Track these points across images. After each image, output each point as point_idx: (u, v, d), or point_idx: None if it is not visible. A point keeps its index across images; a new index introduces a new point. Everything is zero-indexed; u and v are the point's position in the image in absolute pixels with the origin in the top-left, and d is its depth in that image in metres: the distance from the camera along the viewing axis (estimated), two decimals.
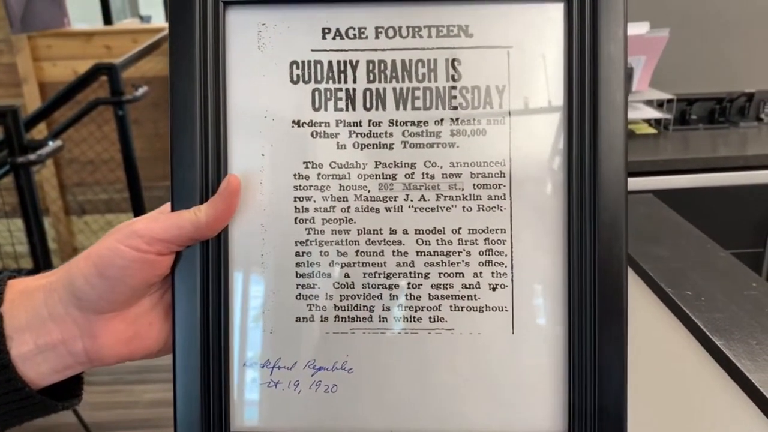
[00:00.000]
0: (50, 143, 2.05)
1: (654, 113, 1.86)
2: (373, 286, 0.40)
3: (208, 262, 0.39)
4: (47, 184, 3.21)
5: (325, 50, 0.39)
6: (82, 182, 3.30)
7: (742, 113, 1.98)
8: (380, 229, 0.40)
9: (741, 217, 1.70)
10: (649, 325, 0.92)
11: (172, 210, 0.39)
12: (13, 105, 1.98)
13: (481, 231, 0.39)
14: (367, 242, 0.40)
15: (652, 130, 1.89)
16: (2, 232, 2.61)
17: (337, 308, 0.40)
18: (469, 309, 0.40)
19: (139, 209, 2.96)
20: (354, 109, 0.40)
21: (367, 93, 0.39)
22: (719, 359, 0.72)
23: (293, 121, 0.40)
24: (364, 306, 0.40)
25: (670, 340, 0.85)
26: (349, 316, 0.40)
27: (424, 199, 0.39)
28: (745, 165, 1.68)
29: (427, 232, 0.40)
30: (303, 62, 0.39)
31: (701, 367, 0.76)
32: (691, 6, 2.00)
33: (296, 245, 0.40)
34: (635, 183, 1.66)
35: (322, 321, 0.40)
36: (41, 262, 2.07)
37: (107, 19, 4.00)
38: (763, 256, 1.72)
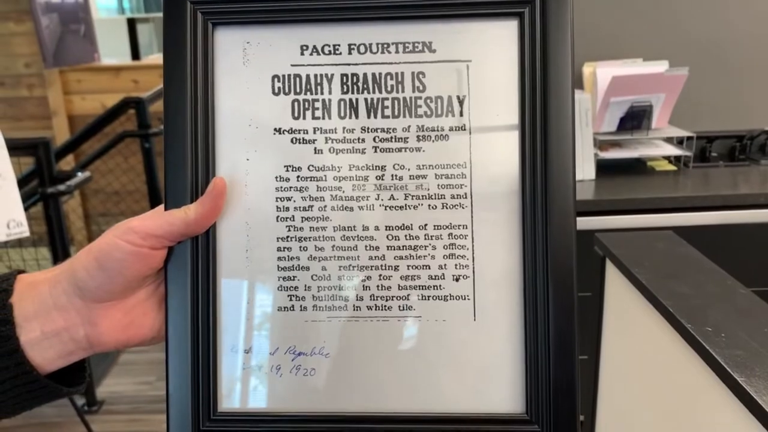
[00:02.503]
0: (79, 174, 2.10)
1: (674, 150, 1.86)
2: (348, 277, 0.44)
3: (197, 257, 0.43)
4: (73, 214, 3.28)
5: (304, 65, 0.44)
6: (107, 212, 3.37)
7: (762, 151, 1.98)
8: (354, 226, 0.44)
9: (762, 255, 1.69)
10: (669, 362, 0.92)
11: (165, 209, 0.43)
12: (45, 137, 2.04)
13: (445, 227, 0.43)
14: (342, 238, 0.44)
15: (672, 167, 1.89)
16: (29, 260, 2.67)
17: (314, 298, 0.44)
18: (434, 298, 0.44)
19: None
20: (330, 118, 0.44)
21: (341, 103, 0.44)
22: (740, 395, 0.71)
23: (275, 129, 0.44)
24: (339, 296, 0.44)
25: (690, 377, 0.85)
26: (325, 306, 0.44)
27: (394, 198, 0.44)
28: (767, 203, 1.67)
29: (396, 228, 0.44)
30: (283, 76, 0.44)
31: (722, 403, 0.76)
32: (709, 45, 2.02)
33: (278, 241, 0.44)
34: (655, 220, 1.66)
35: (301, 310, 0.44)
36: None
37: (135, 54, 4.11)
38: None
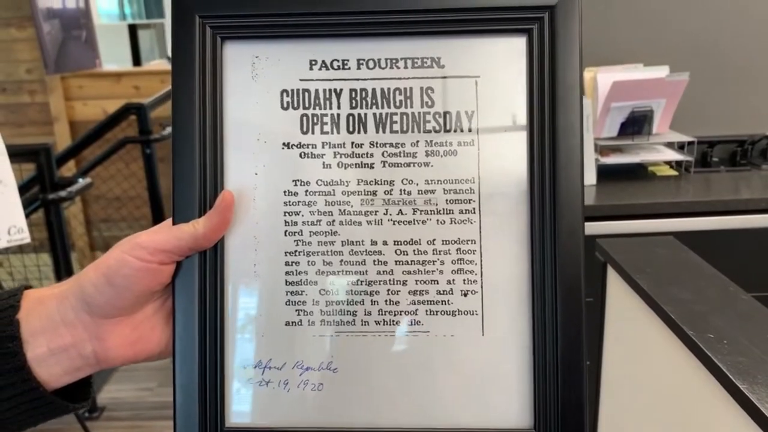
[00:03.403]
0: (80, 180, 2.10)
1: (675, 155, 1.86)
2: (356, 292, 0.44)
3: (205, 271, 0.43)
4: (74, 220, 3.28)
5: (312, 80, 0.44)
6: (108, 218, 3.37)
7: (764, 156, 1.98)
8: (362, 241, 0.44)
9: (764, 260, 1.68)
10: (670, 368, 0.91)
11: (174, 223, 0.43)
12: (46, 143, 2.04)
13: (453, 242, 0.43)
14: (350, 252, 0.44)
15: (673, 172, 1.89)
16: (30, 267, 2.67)
17: (323, 313, 0.44)
18: (443, 313, 0.43)
19: None
20: (338, 132, 0.44)
21: (350, 118, 0.44)
22: (742, 403, 0.71)
23: (283, 143, 0.44)
24: (347, 311, 0.44)
25: (692, 383, 0.85)
26: (333, 320, 0.44)
27: (402, 213, 0.43)
28: (767, 208, 1.67)
29: (405, 243, 0.43)
30: (292, 90, 0.44)
31: (724, 410, 0.76)
32: (710, 50, 2.02)
33: (286, 255, 0.44)
34: (657, 225, 1.65)
35: (309, 325, 0.44)
36: None
37: (136, 60, 4.12)
38: None
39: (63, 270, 2.10)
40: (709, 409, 0.80)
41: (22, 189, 1.92)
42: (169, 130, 2.84)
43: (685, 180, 1.86)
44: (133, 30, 4.23)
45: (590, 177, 1.79)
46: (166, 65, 3.73)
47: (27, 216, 1.41)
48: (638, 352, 1.04)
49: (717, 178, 1.87)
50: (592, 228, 1.64)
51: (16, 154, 1.72)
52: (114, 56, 3.98)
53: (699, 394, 0.83)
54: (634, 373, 1.07)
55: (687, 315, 0.88)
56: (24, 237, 1.38)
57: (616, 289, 1.10)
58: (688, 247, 1.12)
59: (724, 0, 1.99)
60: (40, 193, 1.99)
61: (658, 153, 1.88)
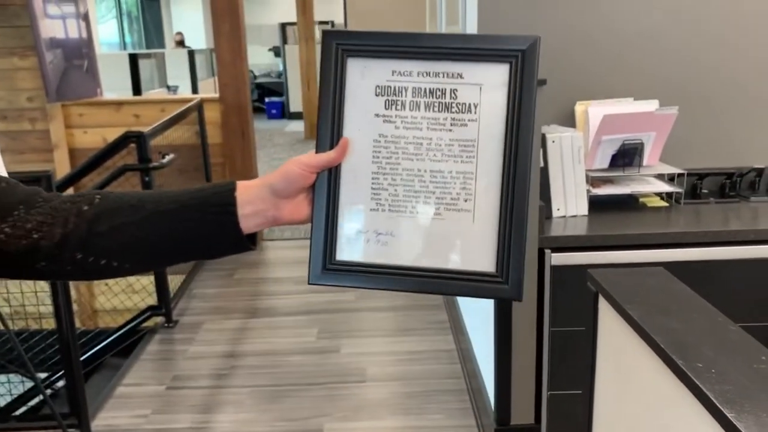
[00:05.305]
0: None
1: (665, 187, 1.90)
2: (407, 196, 0.77)
3: (330, 178, 0.77)
4: None
5: (392, 80, 0.77)
6: None
7: (752, 188, 2.03)
8: (413, 169, 0.76)
9: (753, 291, 1.71)
10: (660, 397, 0.94)
11: (316, 153, 0.76)
12: (47, 170, 2.07)
13: (460, 173, 0.76)
14: (406, 174, 0.77)
15: (664, 203, 1.93)
16: (27, 292, 2.67)
17: (389, 205, 0.77)
18: (452, 209, 0.76)
19: (160, 272, 3.01)
20: (404, 110, 0.77)
21: (411, 103, 0.77)
22: (730, 430, 0.73)
23: (375, 114, 0.77)
24: (402, 204, 0.77)
25: (681, 412, 0.87)
26: (395, 209, 0.77)
27: (435, 156, 0.76)
28: (756, 239, 1.71)
29: (436, 172, 0.76)
30: (381, 86, 0.77)
31: None
32: (698, 84, 2.08)
33: (372, 174, 0.77)
34: (648, 255, 1.69)
35: (381, 211, 0.77)
36: (65, 322, 2.12)
37: (137, 89, 4.18)
38: None
39: (61, 296, 2.11)
40: None
41: None
42: (168, 158, 2.87)
43: (675, 211, 1.90)
44: (134, 59, 4.29)
45: (582, 208, 1.83)
46: (165, 94, 3.77)
47: None
48: (630, 380, 1.07)
49: (706, 209, 1.91)
50: (584, 258, 1.67)
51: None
52: (115, 85, 4.03)
53: (688, 422, 0.86)
54: (625, 401, 1.09)
55: (676, 344, 0.91)
56: None
57: (608, 318, 1.12)
58: (678, 277, 1.14)
59: (712, 36, 2.05)
60: None
61: (648, 184, 1.92)
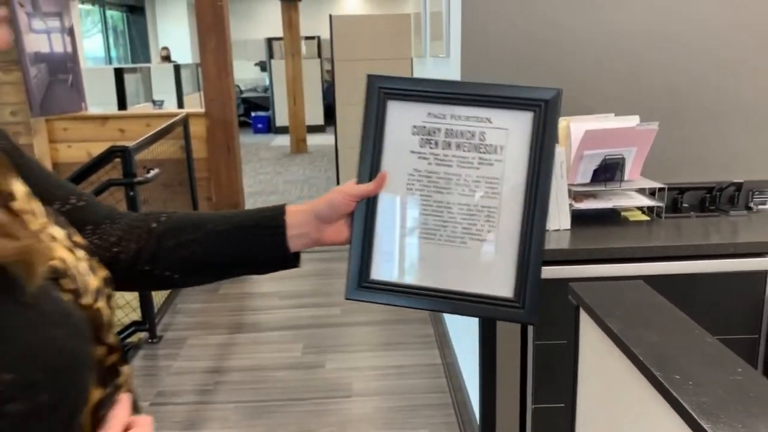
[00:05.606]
0: None
1: (646, 201, 1.93)
2: (436, 225, 0.84)
3: (368, 207, 0.85)
4: None
5: (428, 122, 0.85)
6: None
7: (732, 202, 2.06)
8: (442, 201, 0.84)
9: (733, 304, 1.73)
10: (640, 409, 0.95)
11: (357, 183, 0.85)
12: None
13: (485, 207, 0.83)
14: (436, 206, 0.84)
15: (645, 217, 1.95)
16: None
17: (420, 232, 0.85)
18: (477, 239, 0.83)
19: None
20: (437, 148, 0.85)
21: (443, 142, 0.85)
22: None
23: (410, 151, 0.85)
24: (431, 233, 0.84)
25: (660, 423, 0.88)
26: (425, 236, 0.85)
27: (463, 190, 0.84)
28: (736, 252, 1.73)
29: (463, 205, 0.83)
30: (418, 126, 0.85)
31: None
32: (679, 101, 2.11)
33: (405, 203, 0.85)
34: (629, 269, 1.70)
35: (412, 237, 0.84)
36: None
37: (122, 103, 4.17)
38: (757, 342, 1.75)
39: None
40: None
41: None
42: (153, 173, 2.86)
43: (656, 225, 1.92)
44: (119, 74, 4.28)
45: (564, 222, 1.85)
46: (151, 109, 3.77)
47: None
48: (610, 392, 1.08)
49: (687, 223, 1.93)
50: (566, 271, 1.68)
51: None
52: (100, 99, 4.02)
53: None
54: (607, 413, 1.10)
55: (655, 357, 0.92)
56: None
57: (589, 331, 1.13)
58: (660, 290, 1.16)
59: (692, 53, 2.09)
60: None
61: (630, 199, 1.94)
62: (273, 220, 0.81)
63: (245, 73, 11.64)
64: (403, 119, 0.84)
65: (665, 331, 1.01)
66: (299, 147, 9.04)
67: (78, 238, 0.64)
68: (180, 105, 8.16)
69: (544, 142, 0.81)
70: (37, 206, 0.60)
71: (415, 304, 0.85)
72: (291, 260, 0.83)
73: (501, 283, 0.82)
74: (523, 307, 0.81)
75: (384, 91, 0.85)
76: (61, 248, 0.58)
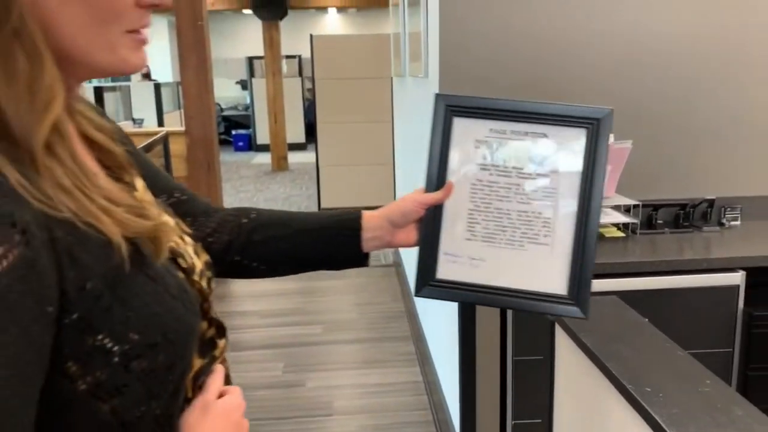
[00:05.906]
0: None
1: (621, 218, 1.96)
2: (496, 229, 0.91)
3: (435, 213, 0.92)
4: None
5: (490, 137, 0.91)
6: None
7: (705, 218, 2.10)
8: (502, 208, 0.91)
9: (707, 318, 1.77)
10: (613, 421, 0.97)
11: (425, 192, 0.92)
12: None
13: (541, 213, 0.90)
14: (497, 213, 0.91)
15: (621, 234, 1.99)
16: None
17: (482, 236, 0.91)
18: (534, 242, 0.90)
19: None
20: (498, 160, 0.91)
21: (503, 155, 0.91)
22: None
23: (474, 163, 0.92)
24: (492, 236, 0.91)
25: None
26: (486, 239, 0.91)
27: (521, 198, 0.90)
28: (709, 267, 1.77)
29: (521, 212, 0.90)
30: (480, 140, 0.91)
31: None
32: (652, 119, 2.16)
33: (468, 210, 0.91)
34: (605, 284, 1.73)
35: (475, 241, 0.91)
36: None
37: None
38: (731, 355, 1.78)
39: None
40: None
41: None
42: None
43: (632, 241, 1.95)
44: (99, 92, 4.27)
45: None
46: (131, 127, 3.76)
47: None
48: (585, 405, 1.09)
49: (661, 239, 1.97)
50: None
51: None
52: None
53: None
54: (582, 426, 1.12)
55: (627, 370, 0.94)
56: None
57: (564, 346, 1.15)
58: (634, 306, 1.18)
59: (665, 71, 2.14)
60: None
61: (605, 215, 1.98)
62: (351, 223, 0.90)
63: (226, 92, 11.64)
64: (467, 134, 0.91)
65: (638, 345, 1.03)
66: (280, 165, 9.05)
67: (184, 227, 0.72)
68: (160, 123, 8.13)
69: (596, 157, 0.88)
70: (151, 198, 0.69)
71: (476, 300, 0.93)
72: (363, 259, 0.92)
73: (555, 282, 0.88)
74: (576, 304, 0.88)
75: (451, 108, 0.92)
76: (174, 233, 0.66)
